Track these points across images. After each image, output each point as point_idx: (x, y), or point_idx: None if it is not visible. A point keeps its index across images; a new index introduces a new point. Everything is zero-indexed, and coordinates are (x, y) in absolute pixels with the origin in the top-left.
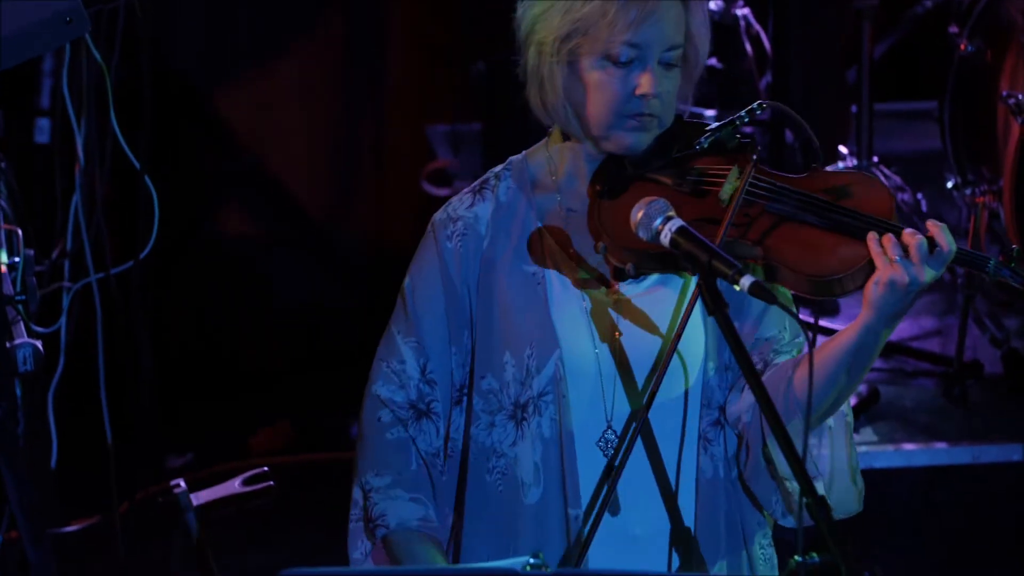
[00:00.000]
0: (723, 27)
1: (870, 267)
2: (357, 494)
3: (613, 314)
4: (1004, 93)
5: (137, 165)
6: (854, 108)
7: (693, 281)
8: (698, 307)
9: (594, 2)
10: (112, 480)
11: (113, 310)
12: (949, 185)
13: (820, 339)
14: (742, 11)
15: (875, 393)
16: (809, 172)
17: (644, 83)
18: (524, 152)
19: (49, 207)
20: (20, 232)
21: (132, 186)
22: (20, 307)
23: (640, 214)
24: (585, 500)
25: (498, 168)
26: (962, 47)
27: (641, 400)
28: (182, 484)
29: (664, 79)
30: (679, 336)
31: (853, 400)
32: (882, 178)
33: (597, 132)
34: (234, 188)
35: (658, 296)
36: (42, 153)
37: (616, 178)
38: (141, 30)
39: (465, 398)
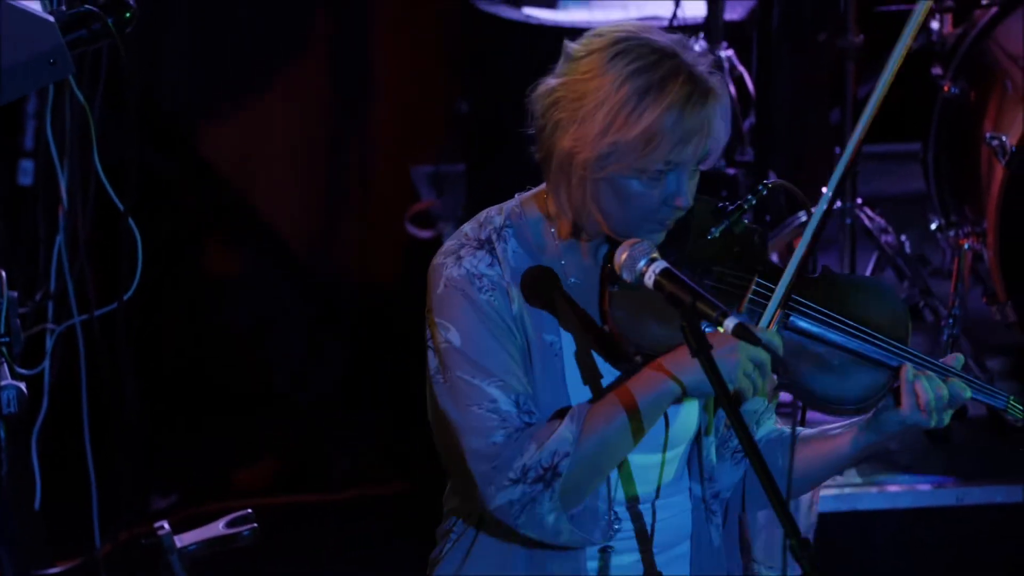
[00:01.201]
0: None
1: (885, 393)
2: (512, 493)
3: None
4: (988, 135)
5: (121, 207)
6: (837, 149)
7: None
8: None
9: (637, 128)
10: (96, 521)
11: (97, 351)
12: (933, 227)
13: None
14: (726, 53)
15: None
16: (821, 275)
17: (680, 197)
18: (520, 198)
19: (33, 249)
20: (3, 274)
21: (115, 227)
22: (4, 349)
23: (624, 256)
24: None
25: (497, 218)
26: (946, 88)
27: (649, 479)
28: (166, 526)
29: (692, 182)
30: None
31: None
32: (865, 220)
33: (621, 231)
34: (218, 226)
35: None
36: (26, 195)
37: None
38: (125, 71)
39: None
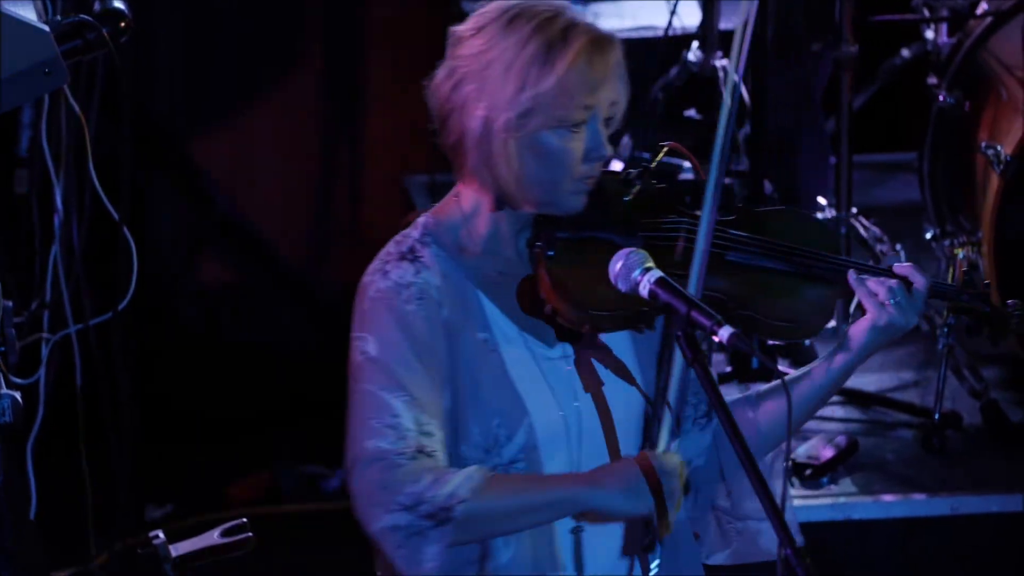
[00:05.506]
0: (702, 78)
1: (833, 305)
2: (399, 518)
3: (567, 375)
4: (983, 144)
5: (116, 216)
6: (833, 159)
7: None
8: (637, 359)
9: (552, 77)
10: (91, 531)
11: (92, 361)
12: (928, 236)
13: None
14: (721, 62)
15: (854, 444)
16: (739, 213)
17: (600, 147)
18: (429, 213)
19: (28, 258)
20: None
21: (111, 236)
22: None
23: (619, 265)
24: (562, 559)
25: (414, 232)
26: (941, 98)
27: (604, 457)
28: (161, 535)
29: (605, 137)
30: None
31: (831, 451)
32: (861, 230)
33: (546, 198)
34: (212, 237)
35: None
36: (21, 204)
37: (559, 240)
38: (120, 80)
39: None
